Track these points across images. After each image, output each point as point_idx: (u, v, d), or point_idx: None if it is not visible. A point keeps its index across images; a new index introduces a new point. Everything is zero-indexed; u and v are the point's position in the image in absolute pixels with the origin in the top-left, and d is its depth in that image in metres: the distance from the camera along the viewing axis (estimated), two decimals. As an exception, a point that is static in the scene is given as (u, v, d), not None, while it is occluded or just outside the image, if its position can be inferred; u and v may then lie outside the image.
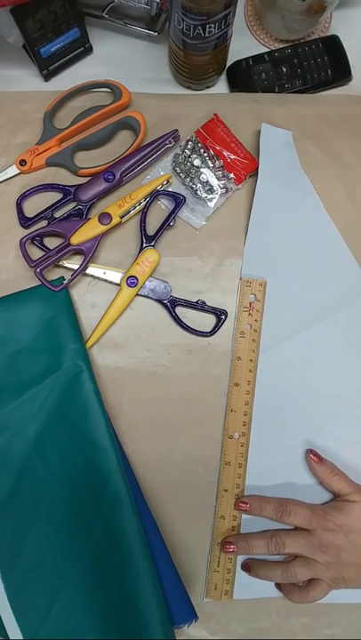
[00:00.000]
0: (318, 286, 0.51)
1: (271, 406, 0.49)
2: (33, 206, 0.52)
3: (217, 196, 0.52)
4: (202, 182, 0.52)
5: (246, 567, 0.47)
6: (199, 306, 0.51)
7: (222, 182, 0.52)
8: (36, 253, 0.50)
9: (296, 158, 0.53)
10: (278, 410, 0.50)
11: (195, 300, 0.51)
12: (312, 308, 0.51)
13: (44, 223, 0.51)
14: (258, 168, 0.53)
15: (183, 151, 0.53)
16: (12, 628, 0.43)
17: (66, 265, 0.50)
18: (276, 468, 0.49)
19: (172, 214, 0.51)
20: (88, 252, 0.49)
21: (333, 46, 0.56)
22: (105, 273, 0.50)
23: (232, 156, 0.53)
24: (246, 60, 0.56)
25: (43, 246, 0.50)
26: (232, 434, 0.49)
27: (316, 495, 0.48)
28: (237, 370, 0.50)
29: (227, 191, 0.52)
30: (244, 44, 0.57)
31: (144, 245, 0.51)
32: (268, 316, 0.51)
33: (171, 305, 0.50)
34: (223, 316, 0.50)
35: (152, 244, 0.51)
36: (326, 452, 0.49)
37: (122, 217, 0.51)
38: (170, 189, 0.52)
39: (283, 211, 0.52)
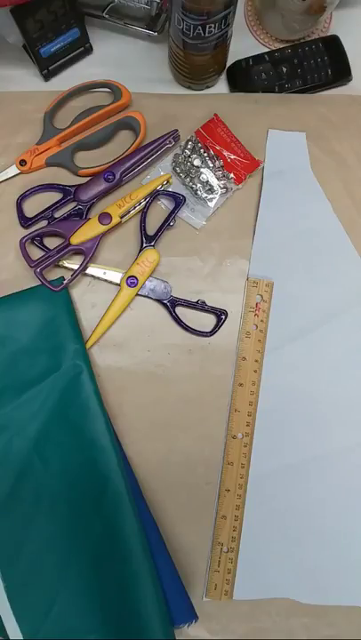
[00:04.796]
0: (325, 288, 0.51)
1: (275, 407, 0.49)
2: (33, 206, 0.52)
3: (217, 196, 0.52)
4: (202, 182, 0.52)
5: None
6: (199, 306, 0.51)
7: (222, 182, 0.52)
8: (36, 253, 0.50)
9: (307, 160, 0.53)
10: (282, 411, 0.50)
11: (195, 300, 0.51)
12: (318, 309, 0.51)
13: (44, 223, 0.51)
14: (259, 168, 0.53)
15: (183, 151, 0.53)
16: (12, 628, 0.43)
17: (66, 265, 0.50)
18: (279, 470, 0.49)
19: (172, 214, 0.51)
20: (88, 252, 0.49)
21: (333, 46, 0.56)
22: (105, 273, 0.50)
23: (232, 156, 0.53)
24: (246, 59, 0.56)
25: (43, 246, 0.50)
26: (235, 434, 0.49)
27: (318, 497, 0.48)
28: (242, 370, 0.49)
29: (227, 191, 0.52)
30: (244, 44, 0.57)
31: (144, 245, 0.51)
32: (275, 317, 0.51)
33: (171, 305, 0.50)
34: (223, 316, 0.50)
35: (152, 244, 0.51)
36: (330, 454, 0.49)
37: (122, 217, 0.51)
38: (170, 189, 0.52)
39: (290, 212, 0.52)
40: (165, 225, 0.51)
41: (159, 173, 0.53)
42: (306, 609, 0.47)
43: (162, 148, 0.52)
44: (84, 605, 0.44)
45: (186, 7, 0.44)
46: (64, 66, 0.55)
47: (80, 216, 0.51)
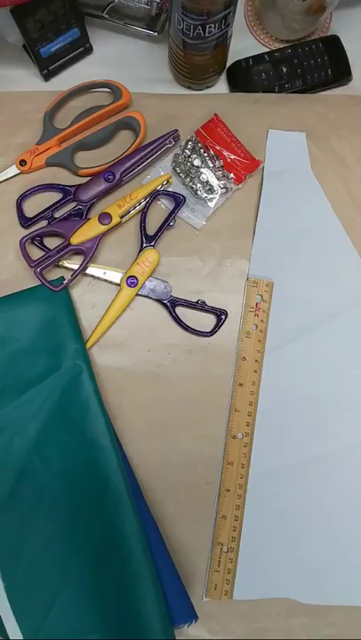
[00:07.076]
0: (325, 288, 0.51)
1: (275, 407, 0.49)
2: (33, 206, 0.52)
3: (217, 196, 0.52)
4: (202, 182, 0.52)
5: None
6: (199, 306, 0.50)
7: (222, 182, 0.52)
8: (36, 253, 0.50)
9: (307, 160, 0.53)
10: (282, 411, 0.50)
11: (195, 300, 0.51)
12: (318, 309, 0.51)
13: (44, 223, 0.51)
14: (259, 168, 0.53)
15: (183, 151, 0.53)
16: (12, 628, 0.43)
17: (66, 265, 0.50)
18: (278, 470, 0.49)
19: (172, 214, 0.51)
20: (88, 252, 0.49)
21: (333, 46, 0.56)
22: (105, 273, 0.50)
23: (232, 156, 0.53)
24: (246, 59, 0.56)
25: (43, 246, 0.50)
26: (235, 434, 0.49)
27: (318, 497, 0.48)
28: (242, 370, 0.49)
29: (227, 191, 0.52)
30: (244, 44, 0.57)
31: (144, 245, 0.51)
32: (275, 317, 0.51)
33: (171, 305, 0.50)
34: (223, 316, 0.50)
35: (152, 244, 0.51)
36: (330, 454, 0.49)
37: (122, 217, 0.51)
38: (170, 189, 0.52)
39: (290, 212, 0.52)
40: (165, 225, 0.51)
41: (159, 173, 0.53)
42: (306, 609, 0.47)
43: (162, 147, 0.52)
44: (84, 605, 0.44)
45: (186, 7, 0.44)
46: (64, 66, 0.55)
47: (80, 216, 0.51)
